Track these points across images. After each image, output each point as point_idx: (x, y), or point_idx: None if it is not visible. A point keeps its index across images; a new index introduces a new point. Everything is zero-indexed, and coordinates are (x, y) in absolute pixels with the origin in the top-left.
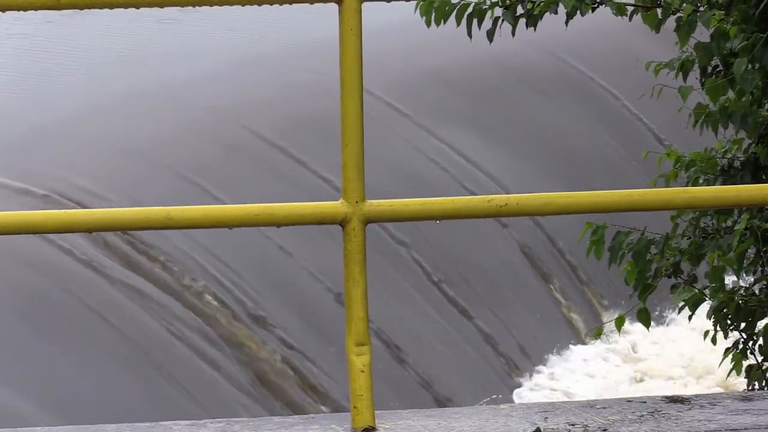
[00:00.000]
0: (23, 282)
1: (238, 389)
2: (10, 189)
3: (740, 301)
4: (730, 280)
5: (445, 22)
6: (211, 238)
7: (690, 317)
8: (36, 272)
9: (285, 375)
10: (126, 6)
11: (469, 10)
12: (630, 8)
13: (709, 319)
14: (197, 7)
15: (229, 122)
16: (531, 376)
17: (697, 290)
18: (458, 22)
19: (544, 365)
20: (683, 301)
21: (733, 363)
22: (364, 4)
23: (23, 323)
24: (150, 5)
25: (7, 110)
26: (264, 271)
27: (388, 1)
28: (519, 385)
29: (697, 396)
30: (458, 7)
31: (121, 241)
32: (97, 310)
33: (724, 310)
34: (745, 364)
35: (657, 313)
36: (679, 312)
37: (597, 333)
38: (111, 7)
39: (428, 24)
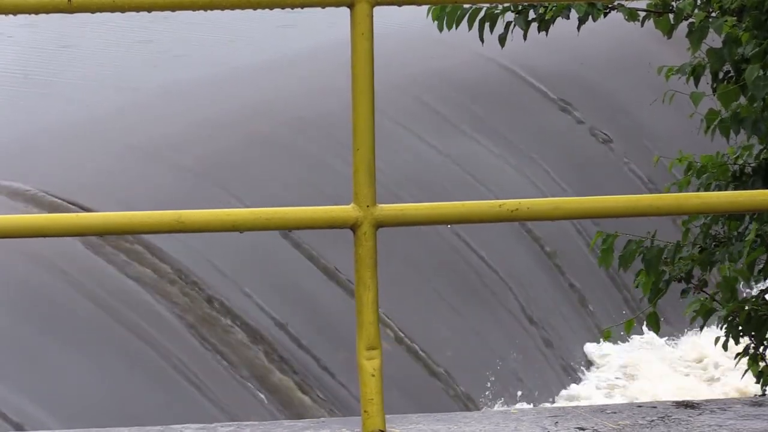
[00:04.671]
0: (33, 283)
1: (247, 393)
2: (18, 191)
3: (750, 311)
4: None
5: (457, 27)
6: (221, 239)
7: (702, 327)
8: (46, 273)
9: (294, 379)
10: (138, 9)
11: (481, 14)
12: (642, 13)
13: (720, 328)
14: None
15: (242, 120)
16: (555, 382)
17: (707, 299)
18: (470, 27)
19: (569, 371)
20: (694, 311)
21: (748, 366)
22: (376, 8)
23: (33, 325)
24: (162, 9)
25: (12, 111)
26: (272, 273)
27: (400, 5)
28: (543, 391)
29: (707, 401)
30: (470, 11)
31: (132, 244)
32: (106, 313)
33: (735, 320)
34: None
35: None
36: (691, 322)
37: (606, 335)
38: (123, 10)
39: (440, 29)
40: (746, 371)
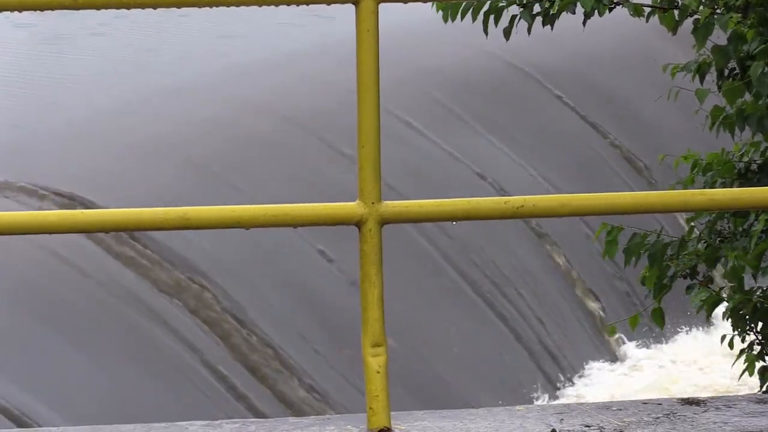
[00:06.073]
0: (37, 280)
1: (253, 390)
2: (20, 189)
3: (757, 303)
4: (748, 281)
5: (462, 19)
6: (227, 235)
7: (707, 317)
8: (50, 270)
9: (299, 376)
10: (143, 6)
11: (486, 7)
12: (647, 9)
13: (726, 320)
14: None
15: (243, 119)
16: (560, 380)
17: (713, 292)
18: (474, 19)
19: (574, 369)
20: (701, 301)
21: (746, 364)
22: (381, 5)
23: (37, 322)
24: (168, 6)
25: (13, 111)
26: (277, 270)
27: (405, 2)
28: (548, 389)
29: (712, 398)
30: (475, 4)
31: (136, 240)
32: (111, 309)
33: (741, 312)
34: (758, 365)
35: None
36: (697, 312)
37: (611, 331)
38: (128, 7)
39: (445, 20)
40: (743, 373)
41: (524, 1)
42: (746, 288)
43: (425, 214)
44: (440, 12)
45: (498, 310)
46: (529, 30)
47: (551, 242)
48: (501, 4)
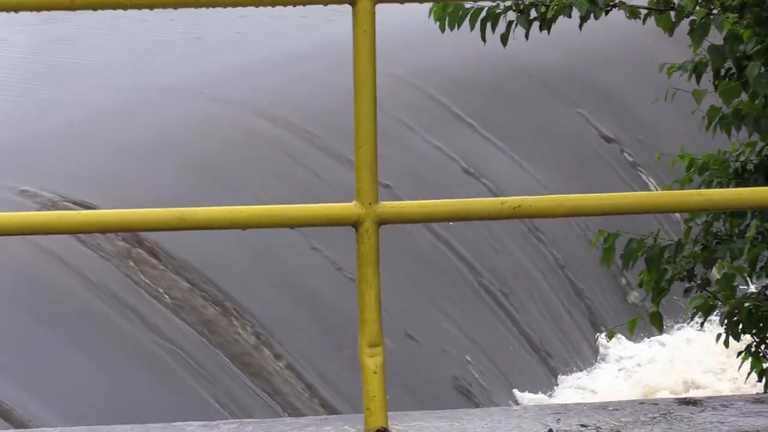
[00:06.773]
0: (35, 278)
1: (250, 390)
2: (21, 191)
3: (751, 307)
4: (740, 281)
5: (459, 27)
6: (225, 234)
7: (702, 323)
8: (49, 268)
9: (297, 376)
10: (139, 7)
11: (483, 14)
12: (643, 11)
13: (721, 325)
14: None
15: (242, 119)
16: (558, 380)
17: (708, 296)
18: (471, 27)
19: (572, 370)
20: (695, 308)
21: (751, 365)
22: (378, 6)
23: (36, 321)
24: (164, 6)
25: (15, 113)
26: (275, 269)
27: (402, 3)
28: (546, 389)
29: (709, 398)
30: (471, 11)
31: (135, 239)
32: (110, 309)
33: (735, 318)
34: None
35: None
36: (692, 319)
37: (610, 335)
38: (125, 8)
39: (442, 29)
40: (750, 372)
41: (521, 7)
42: (739, 292)
43: (422, 214)
44: (437, 22)
45: (496, 311)
46: (526, 36)
47: (549, 242)
48: (498, 11)
